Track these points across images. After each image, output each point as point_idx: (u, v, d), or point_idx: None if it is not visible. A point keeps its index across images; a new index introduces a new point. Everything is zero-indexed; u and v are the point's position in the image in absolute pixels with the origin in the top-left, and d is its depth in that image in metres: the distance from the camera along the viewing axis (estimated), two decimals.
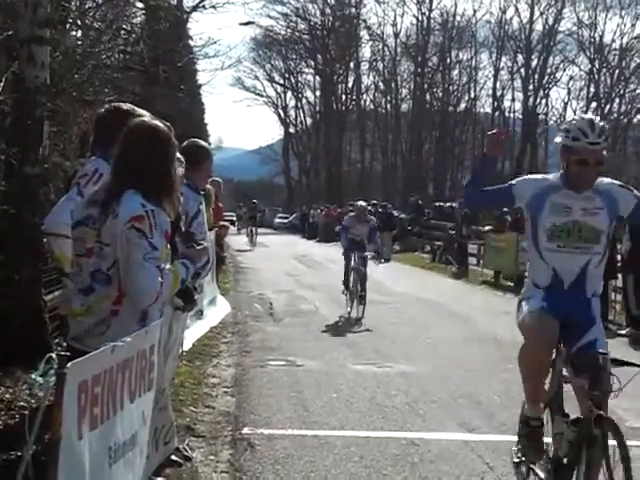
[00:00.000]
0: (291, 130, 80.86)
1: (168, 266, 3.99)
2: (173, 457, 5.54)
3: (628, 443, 6.54)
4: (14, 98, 7.39)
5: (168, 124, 4.18)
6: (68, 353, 3.11)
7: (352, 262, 14.28)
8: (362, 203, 15.67)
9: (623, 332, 12.74)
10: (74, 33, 13.34)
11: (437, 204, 36.80)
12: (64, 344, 3.94)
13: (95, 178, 4.82)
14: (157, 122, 4.11)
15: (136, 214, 3.81)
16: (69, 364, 2.73)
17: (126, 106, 5.00)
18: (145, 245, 3.79)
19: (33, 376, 4.80)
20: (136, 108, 4.98)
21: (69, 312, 4.15)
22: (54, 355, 2.66)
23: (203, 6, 24.67)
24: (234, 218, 52.00)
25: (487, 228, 21.84)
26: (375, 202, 35.76)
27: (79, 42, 13.14)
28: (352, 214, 15.17)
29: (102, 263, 3.88)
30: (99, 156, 4.94)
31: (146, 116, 4.24)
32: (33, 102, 7.18)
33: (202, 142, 6.50)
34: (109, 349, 3.27)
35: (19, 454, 4.31)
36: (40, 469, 2.82)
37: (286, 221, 59.42)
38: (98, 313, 3.87)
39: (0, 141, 7.42)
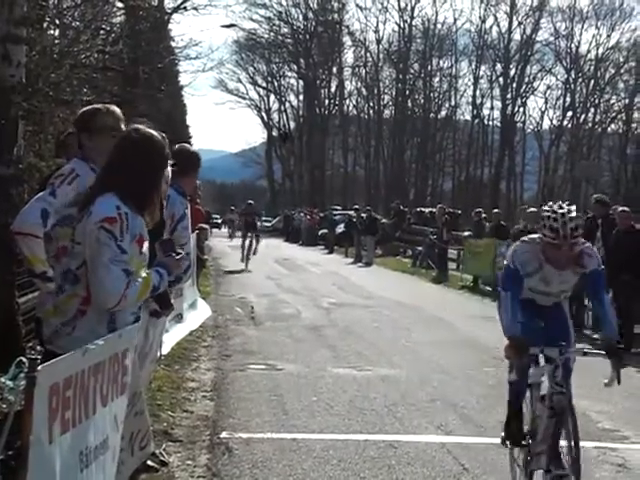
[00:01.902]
0: (274, 133, 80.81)
1: (144, 273, 3.92)
2: (149, 462, 5.47)
3: (600, 444, 6.65)
4: None
5: (163, 134, 4.14)
6: (40, 356, 3.04)
7: None
8: None
9: (596, 336, 12.75)
10: (52, 32, 13.24)
11: (418, 209, 36.87)
12: (38, 347, 3.87)
13: (69, 178, 4.73)
14: (152, 131, 4.08)
15: (108, 215, 3.76)
16: (39, 367, 2.66)
17: (115, 108, 4.95)
18: (113, 247, 3.74)
19: (3, 379, 4.70)
20: (111, 108, 4.92)
21: (43, 314, 4.09)
22: (24, 359, 2.59)
23: (184, 7, 24.54)
24: (219, 221, 51.92)
25: (466, 233, 21.90)
26: (357, 207, 35.77)
27: (57, 41, 13.03)
28: None
29: (72, 262, 3.85)
30: (81, 157, 4.86)
31: (142, 124, 4.20)
32: (8, 101, 7.06)
33: (193, 149, 6.54)
34: (80, 352, 3.21)
35: None
36: (10, 473, 2.75)
37: (269, 224, 59.28)
38: (65, 313, 3.82)
39: None
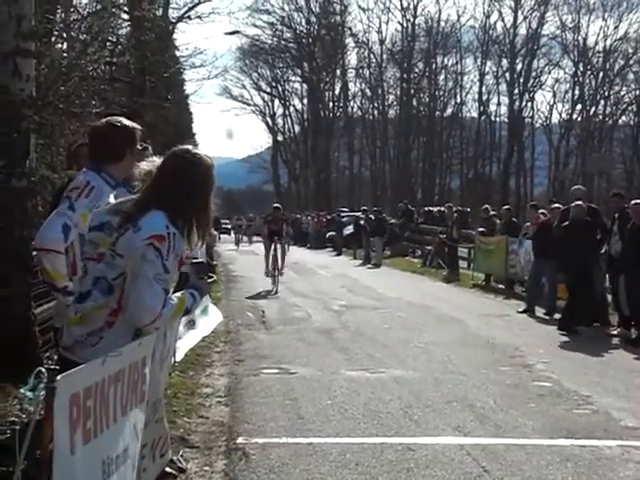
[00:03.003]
0: (279, 138, 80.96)
1: (175, 294, 4.00)
2: (167, 469, 5.50)
3: (623, 443, 6.65)
4: None
5: (211, 157, 4.21)
6: (58, 365, 3.08)
7: None
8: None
9: (615, 332, 12.78)
10: (60, 45, 13.33)
11: (426, 209, 36.85)
12: (55, 356, 3.93)
13: (86, 191, 4.78)
14: (202, 154, 4.17)
15: (158, 233, 3.83)
16: (59, 377, 2.69)
17: (128, 122, 5.00)
18: (159, 265, 3.81)
19: (22, 390, 4.75)
20: (135, 125, 5.00)
21: (64, 322, 4.14)
22: (43, 369, 2.63)
23: (189, 16, 24.75)
24: (228, 226, 52.17)
25: (480, 229, 21.88)
26: (365, 208, 35.78)
27: (65, 54, 13.12)
28: None
29: (109, 272, 3.90)
30: (90, 168, 4.90)
31: (190, 145, 4.29)
32: (19, 115, 7.13)
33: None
34: (99, 361, 3.25)
35: (10, 469, 4.27)
36: None
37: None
38: (93, 323, 3.85)
39: None
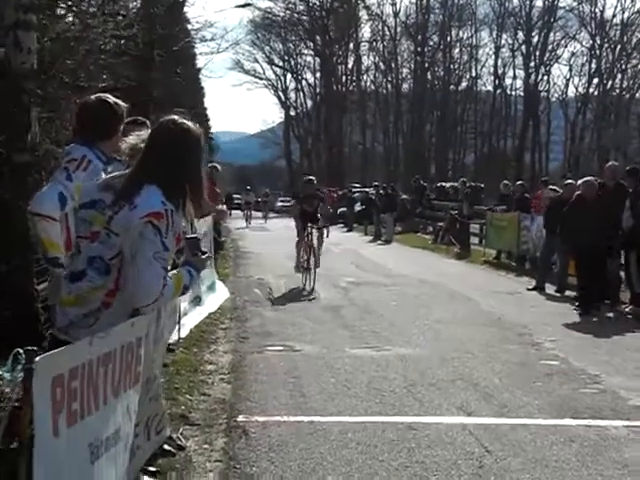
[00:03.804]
0: (291, 113, 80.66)
1: (172, 272, 3.91)
2: (166, 446, 5.47)
3: (630, 423, 6.57)
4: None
5: (200, 129, 4.12)
6: (50, 346, 3.01)
7: None
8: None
9: (626, 310, 12.66)
10: (70, 19, 13.18)
11: (439, 184, 36.65)
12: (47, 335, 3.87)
13: (84, 164, 4.74)
14: (190, 123, 4.05)
15: (155, 210, 3.74)
16: (37, 358, 2.62)
17: (117, 99, 4.95)
18: (158, 243, 3.73)
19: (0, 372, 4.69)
20: (119, 101, 4.93)
21: (59, 302, 4.06)
22: (21, 350, 2.56)
23: None
24: (241, 201, 51.44)
25: (501, 208, 21.69)
26: (377, 184, 35.60)
27: (72, 27, 12.98)
28: None
29: (105, 251, 3.81)
30: (81, 143, 4.84)
31: (177, 114, 4.17)
32: (19, 89, 7.04)
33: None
34: (86, 341, 3.18)
35: None
36: (10, 465, 2.73)
37: (288, 204, 59.12)
38: (89, 304, 3.76)
39: None
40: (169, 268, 3.94)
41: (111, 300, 3.80)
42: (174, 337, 8.50)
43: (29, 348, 2.54)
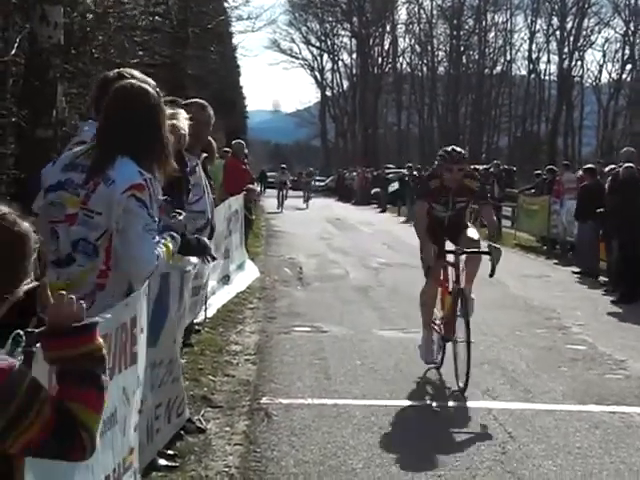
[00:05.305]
0: (327, 93, 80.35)
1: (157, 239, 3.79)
2: (186, 429, 5.40)
3: None
4: (27, 59, 7.21)
5: (157, 89, 3.96)
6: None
7: None
8: None
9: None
10: None
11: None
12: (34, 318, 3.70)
13: None
14: (145, 86, 3.86)
15: (136, 182, 3.60)
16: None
17: (138, 74, 4.78)
18: (145, 216, 3.60)
19: None
20: (147, 78, 4.78)
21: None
22: (22, 332, 2.46)
23: None
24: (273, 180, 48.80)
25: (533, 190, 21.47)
26: (410, 165, 35.29)
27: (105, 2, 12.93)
28: None
29: (90, 233, 3.64)
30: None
31: (135, 79, 4.01)
32: (46, 63, 6.99)
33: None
34: None
35: None
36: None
37: (323, 184, 59.01)
38: (82, 287, 3.58)
39: (11, 103, 7.24)
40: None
41: (104, 281, 3.67)
42: (200, 317, 8.42)
43: (29, 330, 2.44)
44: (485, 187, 8.16)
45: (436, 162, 7.71)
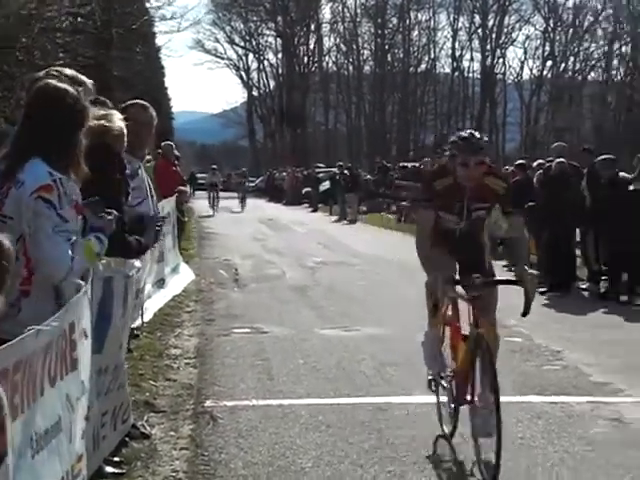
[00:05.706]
0: (254, 93, 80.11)
1: (80, 239, 3.69)
2: (130, 435, 5.29)
3: (593, 399, 6.51)
4: None
5: (79, 89, 3.87)
6: None
7: None
8: None
9: (584, 286, 12.65)
10: None
11: (402, 164, 36.57)
12: None
13: None
14: (65, 86, 3.78)
15: (43, 183, 3.52)
16: None
17: (69, 72, 4.66)
18: (54, 217, 3.52)
19: None
20: (79, 75, 4.66)
21: None
22: None
23: None
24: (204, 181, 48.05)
25: None
26: (341, 163, 35.42)
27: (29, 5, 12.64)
28: None
29: None
30: None
31: (54, 79, 3.92)
32: None
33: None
34: (34, 334, 2.95)
35: None
36: None
37: (253, 184, 58.73)
38: (7, 295, 3.51)
39: None
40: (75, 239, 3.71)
41: (28, 288, 3.58)
42: (137, 322, 8.27)
43: None
44: (510, 189, 5.61)
45: (446, 153, 5.62)
